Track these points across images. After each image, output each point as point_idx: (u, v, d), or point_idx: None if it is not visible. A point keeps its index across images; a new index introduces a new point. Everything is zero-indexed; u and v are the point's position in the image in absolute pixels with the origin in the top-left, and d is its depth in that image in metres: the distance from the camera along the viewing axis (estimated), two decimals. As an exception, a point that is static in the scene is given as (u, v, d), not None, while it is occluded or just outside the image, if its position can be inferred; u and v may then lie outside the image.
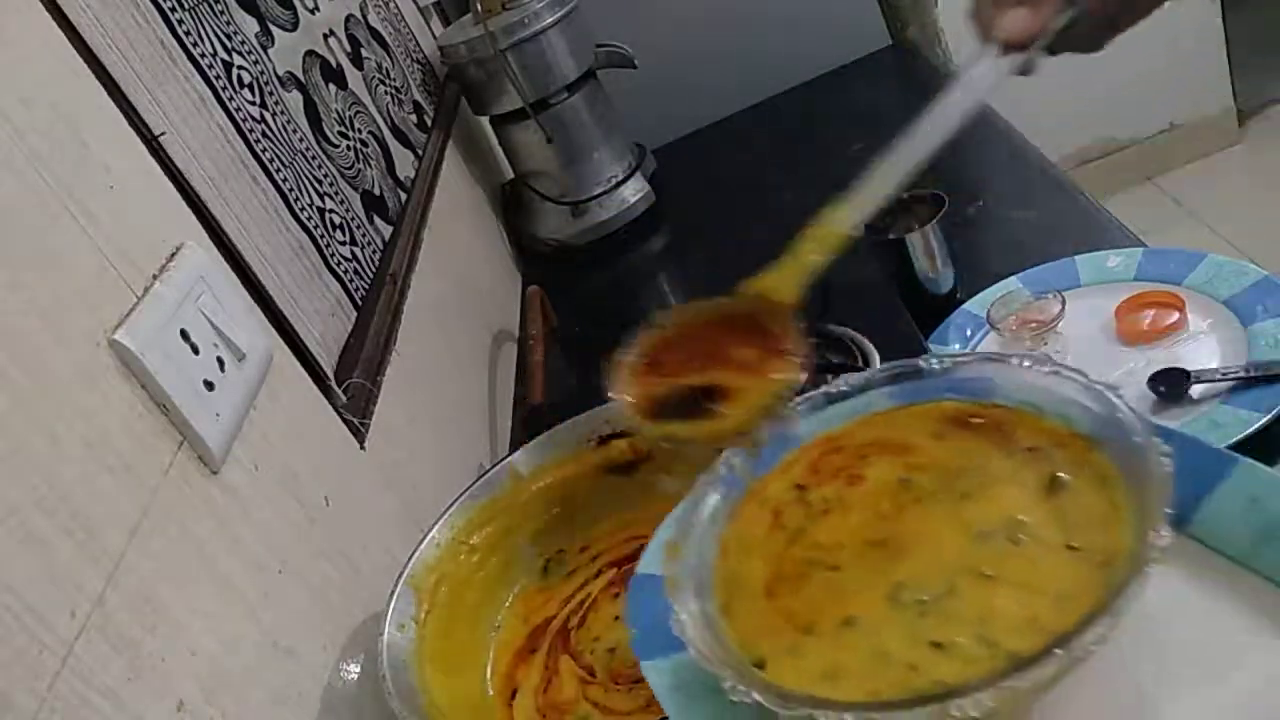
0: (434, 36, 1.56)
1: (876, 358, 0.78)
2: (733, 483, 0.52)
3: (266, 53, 0.86)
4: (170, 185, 0.61)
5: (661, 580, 0.46)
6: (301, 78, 0.92)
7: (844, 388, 0.53)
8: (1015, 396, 0.49)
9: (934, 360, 0.52)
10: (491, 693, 0.63)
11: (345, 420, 0.71)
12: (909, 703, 0.38)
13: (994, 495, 0.46)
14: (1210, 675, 0.42)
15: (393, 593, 0.62)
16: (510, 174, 1.56)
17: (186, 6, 0.72)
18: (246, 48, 0.82)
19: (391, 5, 1.40)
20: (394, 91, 1.21)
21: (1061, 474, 0.45)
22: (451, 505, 0.68)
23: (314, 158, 0.87)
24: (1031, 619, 0.40)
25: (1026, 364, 0.48)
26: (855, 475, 0.51)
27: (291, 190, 0.79)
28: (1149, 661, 0.43)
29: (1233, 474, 0.45)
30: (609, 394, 0.50)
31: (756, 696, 0.40)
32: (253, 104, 0.78)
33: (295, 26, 0.96)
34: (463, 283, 1.17)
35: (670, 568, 0.46)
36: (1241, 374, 0.71)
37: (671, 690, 0.45)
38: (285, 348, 0.67)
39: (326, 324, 0.75)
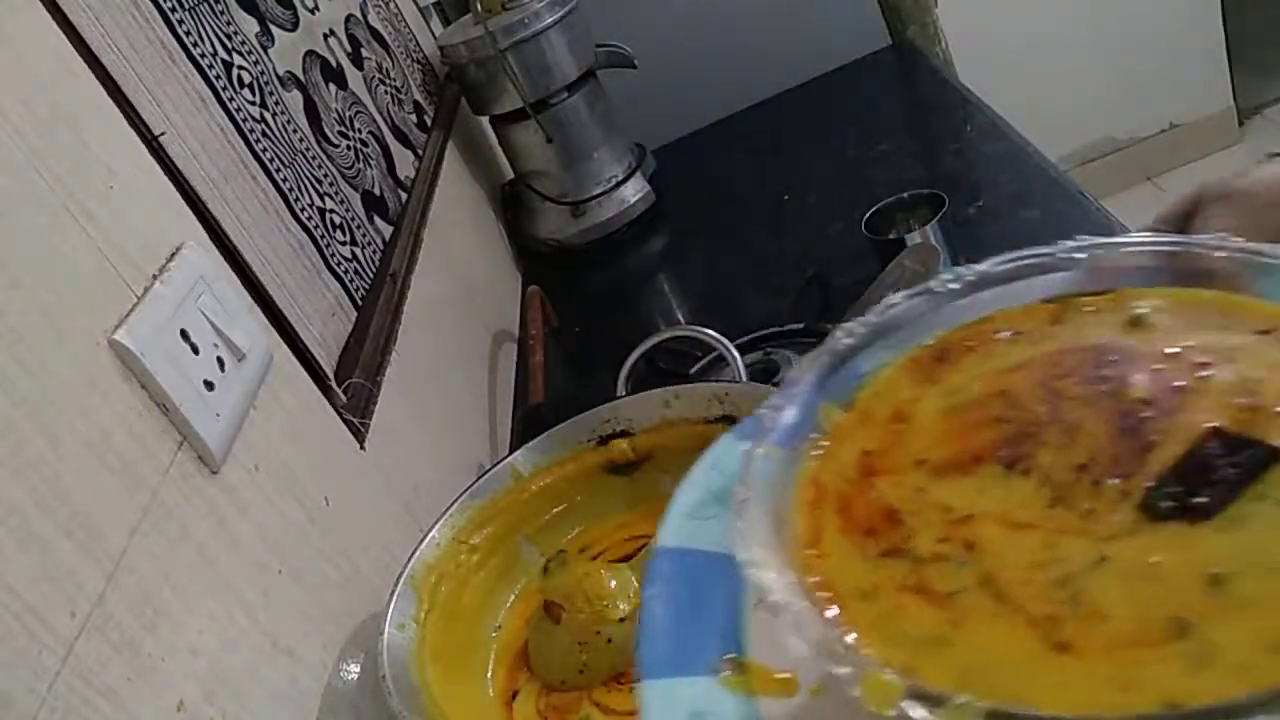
0: (434, 36, 1.56)
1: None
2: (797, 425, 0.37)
3: (266, 53, 0.86)
4: (170, 185, 0.61)
5: (692, 556, 0.35)
6: (301, 78, 0.92)
7: (951, 285, 0.40)
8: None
9: (1072, 248, 0.39)
10: (492, 693, 0.63)
11: (345, 420, 0.71)
12: None
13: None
14: None
15: (393, 593, 0.62)
16: (510, 174, 1.56)
17: (186, 6, 0.72)
18: (246, 48, 0.82)
19: (391, 5, 1.40)
20: (394, 91, 1.21)
21: None
22: (451, 505, 0.68)
23: (314, 158, 0.87)
24: None
25: (1217, 249, 0.37)
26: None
27: (291, 190, 0.79)
28: None
29: None
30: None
31: None
32: (253, 104, 0.78)
33: (295, 26, 0.96)
34: (463, 283, 1.17)
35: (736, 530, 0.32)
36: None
37: None
38: (285, 348, 0.67)
39: (326, 324, 0.75)
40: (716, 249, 1.35)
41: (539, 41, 1.36)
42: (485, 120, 1.51)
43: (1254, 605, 0.27)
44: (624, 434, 0.71)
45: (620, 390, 0.88)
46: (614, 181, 1.46)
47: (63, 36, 0.55)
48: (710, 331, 0.83)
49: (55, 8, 0.55)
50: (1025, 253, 0.40)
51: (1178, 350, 0.35)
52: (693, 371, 0.96)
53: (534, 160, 1.45)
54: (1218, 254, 0.36)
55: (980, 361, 0.39)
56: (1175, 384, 0.34)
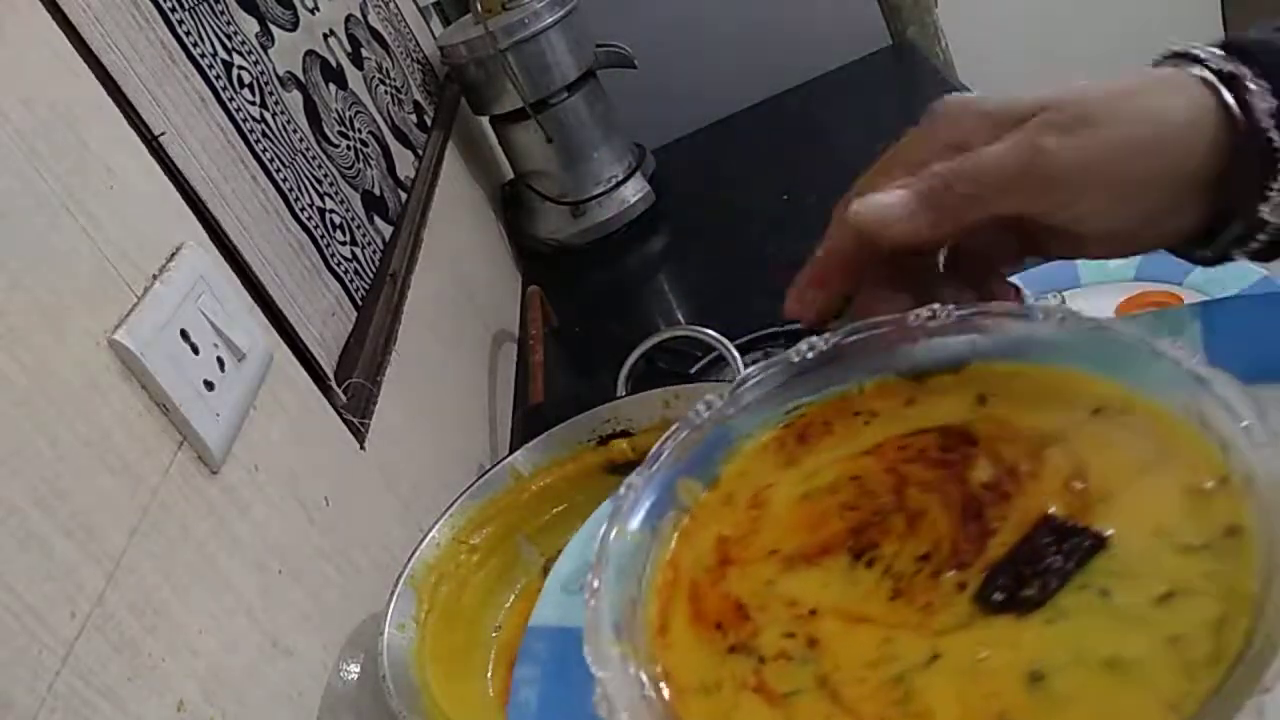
0: (434, 36, 1.56)
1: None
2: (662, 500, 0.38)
3: (266, 53, 0.86)
4: (170, 185, 0.61)
5: (565, 634, 0.34)
6: (301, 78, 0.92)
7: (808, 355, 0.41)
8: (1052, 357, 0.36)
9: (925, 317, 0.38)
10: (492, 693, 0.63)
11: (345, 420, 0.71)
12: None
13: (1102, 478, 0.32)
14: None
15: (393, 593, 0.62)
16: (510, 174, 1.56)
17: (186, 6, 0.72)
18: (246, 48, 0.82)
19: (391, 5, 1.40)
20: (394, 91, 1.21)
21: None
22: (451, 505, 0.68)
23: (314, 158, 0.87)
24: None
25: (1060, 318, 0.36)
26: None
27: (291, 190, 0.79)
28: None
29: None
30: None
31: None
32: (253, 104, 0.78)
33: (295, 26, 0.96)
34: (463, 283, 1.17)
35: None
36: (1242, 374, 0.71)
37: None
38: (285, 348, 0.67)
39: (326, 324, 0.75)
40: (716, 249, 1.35)
41: (539, 41, 1.36)
42: (485, 120, 1.51)
43: (1070, 703, 0.26)
44: (624, 434, 0.71)
45: (620, 390, 0.88)
46: (614, 181, 1.46)
47: (63, 36, 0.55)
48: (710, 331, 0.83)
49: (55, 8, 0.55)
50: (879, 320, 0.39)
51: (1020, 432, 0.35)
52: (693, 371, 0.96)
53: (534, 160, 1.45)
54: (1063, 326, 0.35)
55: (836, 444, 0.39)
56: (1016, 468, 0.34)
